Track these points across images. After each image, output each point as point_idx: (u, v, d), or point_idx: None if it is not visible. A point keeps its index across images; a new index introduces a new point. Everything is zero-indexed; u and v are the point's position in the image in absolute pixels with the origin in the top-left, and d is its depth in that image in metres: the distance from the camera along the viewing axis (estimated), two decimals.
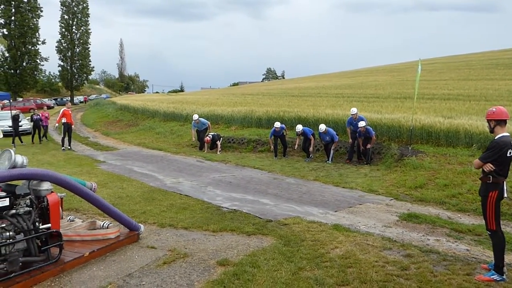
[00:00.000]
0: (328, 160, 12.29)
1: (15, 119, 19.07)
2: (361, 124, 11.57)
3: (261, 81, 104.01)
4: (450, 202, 7.54)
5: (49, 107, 50.89)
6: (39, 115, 20.00)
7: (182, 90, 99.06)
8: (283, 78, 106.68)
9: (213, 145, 15.15)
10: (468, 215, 6.93)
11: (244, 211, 7.00)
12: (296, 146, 13.23)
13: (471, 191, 7.80)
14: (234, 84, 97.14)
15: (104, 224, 5.55)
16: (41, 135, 19.88)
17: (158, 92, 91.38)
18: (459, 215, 6.91)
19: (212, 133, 15.43)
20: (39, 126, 19.71)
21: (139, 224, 5.77)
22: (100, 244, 5.12)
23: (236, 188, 8.98)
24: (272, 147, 13.58)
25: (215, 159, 13.24)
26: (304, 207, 7.34)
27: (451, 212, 7.11)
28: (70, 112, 17.52)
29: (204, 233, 5.84)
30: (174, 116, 22.66)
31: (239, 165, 12.09)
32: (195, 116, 16.04)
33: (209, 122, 16.26)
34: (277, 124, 13.24)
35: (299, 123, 14.97)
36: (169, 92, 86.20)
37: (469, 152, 10.07)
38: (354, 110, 12.20)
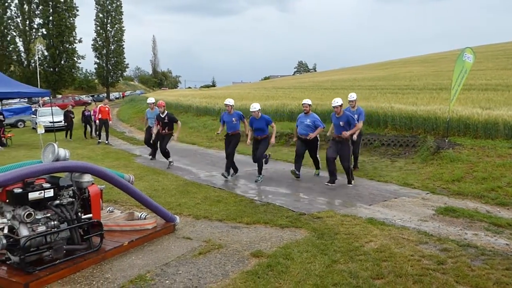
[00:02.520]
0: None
1: (67, 115, 19.82)
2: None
3: (293, 75, 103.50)
4: (489, 195, 7.34)
5: (87, 104, 52.46)
6: (90, 111, 20.51)
7: (214, 85, 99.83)
8: (315, 71, 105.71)
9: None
10: (508, 209, 6.73)
11: (277, 204, 7.04)
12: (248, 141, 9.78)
13: (511, 185, 7.56)
14: (266, 78, 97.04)
15: (142, 215, 5.72)
16: (92, 130, 20.28)
17: (191, 88, 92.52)
18: (498, 209, 6.72)
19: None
20: (89, 122, 20.15)
21: (175, 215, 5.91)
22: (138, 234, 5.28)
23: (269, 181, 9.03)
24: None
25: (247, 153, 13.31)
26: (337, 201, 7.31)
27: (490, 206, 6.92)
28: (106, 108, 18.04)
29: (238, 225, 5.92)
30: (206, 110, 22.90)
31: (272, 159, 12.11)
32: (151, 100, 12.86)
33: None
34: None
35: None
36: (201, 87, 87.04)
37: (508, 144, 9.73)
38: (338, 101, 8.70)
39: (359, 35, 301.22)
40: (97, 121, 18.05)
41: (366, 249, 4.87)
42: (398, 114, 12.71)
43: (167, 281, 4.10)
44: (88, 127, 20.45)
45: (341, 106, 8.66)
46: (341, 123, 8.57)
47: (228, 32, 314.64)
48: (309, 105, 9.59)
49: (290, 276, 4.13)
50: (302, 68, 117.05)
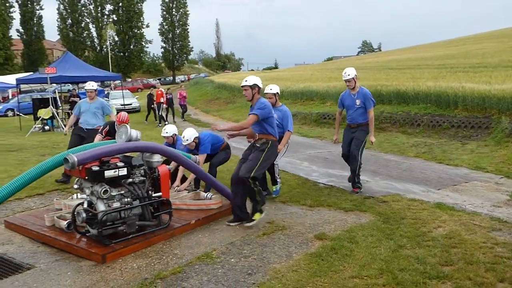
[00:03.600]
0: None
1: (150, 98, 20.32)
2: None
3: (356, 55, 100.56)
4: None
5: (154, 87, 54.35)
6: (171, 94, 20.92)
7: (276, 67, 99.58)
8: (380, 50, 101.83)
9: None
10: None
11: (341, 187, 6.97)
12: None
13: None
14: (328, 59, 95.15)
15: (208, 196, 5.91)
16: (174, 114, 20.54)
17: (253, 70, 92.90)
18: None
19: None
20: (171, 105, 20.20)
21: None
22: (204, 213, 5.47)
23: (333, 164, 8.94)
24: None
25: (310, 135, 13.26)
26: (404, 184, 7.10)
27: None
28: (159, 92, 19.01)
29: (301, 208, 5.95)
30: None
31: (337, 143, 11.95)
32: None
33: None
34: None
35: (398, 97, 14.34)
36: (264, 69, 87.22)
37: None
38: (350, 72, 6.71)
39: (427, 11, 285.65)
40: (164, 105, 18.83)
41: (434, 235, 4.71)
42: (470, 94, 11.96)
43: (232, 260, 4.23)
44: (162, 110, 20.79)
45: (354, 78, 6.67)
46: (357, 102, 6.67)
47: (289, 13, 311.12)
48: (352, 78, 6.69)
49: (355, 259, 4.10)
50: (366, 48, 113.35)
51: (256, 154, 5.26)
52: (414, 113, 12.99)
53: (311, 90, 19.41)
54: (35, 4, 64.27)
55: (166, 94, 20.81)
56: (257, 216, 5.19)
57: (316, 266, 3.97)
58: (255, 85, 5.38)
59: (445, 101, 12.57)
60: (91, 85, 8.03)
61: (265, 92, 6.47)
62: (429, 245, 4.43)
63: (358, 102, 6.71)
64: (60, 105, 19.94)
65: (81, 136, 7.70)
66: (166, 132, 6.64)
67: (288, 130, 6.49)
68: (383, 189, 6.80)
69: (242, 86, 5.45)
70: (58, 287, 3.81)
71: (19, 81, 21.49)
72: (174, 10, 71.43)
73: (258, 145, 5.33)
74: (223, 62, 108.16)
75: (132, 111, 23.03)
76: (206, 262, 4.18)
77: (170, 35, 71.28)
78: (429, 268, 3.87)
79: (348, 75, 6.72)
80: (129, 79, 57.61)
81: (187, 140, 6.29)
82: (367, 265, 3.97)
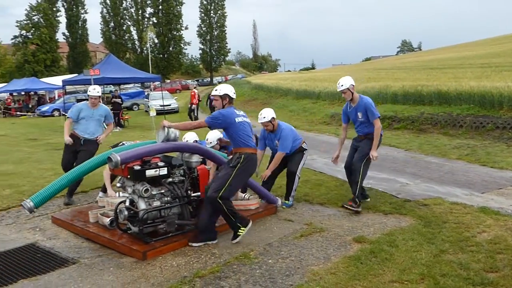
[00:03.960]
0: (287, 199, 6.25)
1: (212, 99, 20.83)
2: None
3: (396, 55, 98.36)
4: None
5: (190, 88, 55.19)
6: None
7: (313, 68, 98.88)
8: (420, 49, 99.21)
9: None
10: None
11: (379, 189, 6.85)
12: None
13: None
14: (366, 59, 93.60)
15: (245, 196, 5.95)
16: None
17: (290, 71, 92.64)
18: None
19: None
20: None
21: (277, 197, 6.04)
22: (242, 214, 5.49)
23: (371, 166, 8.73)
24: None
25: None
26: (445, 188, 6.90)
27: None
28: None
29: (340, 210, 5.88)
30: (306, 93, 22.86)
31: None
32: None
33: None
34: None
35: (439, 98, 13.95)
36: (301, 70, 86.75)
37: None
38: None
39: (470, 8, 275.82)
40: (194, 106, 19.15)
41: (478, 240, 4.55)
42: None
43: (270, 261, 4.24)
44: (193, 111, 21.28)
45: (350, 89, 5.86)
46: (359, 115, 5.91)
47: (326, 13, 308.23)
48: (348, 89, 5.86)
49: (395, 264, 4.02)
50: (406, 47, 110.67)
51: (226, 171, 4.76)
52: (456, 114, 12.61)
53: None
54: (80, 8, 66.75)
55: (209, 95, 21.08)
56: (241, 231, 4.74)
57: (355, 269, 3.93)
58: (226, 95, 4.96)
59: (489, 101, 12.13)
60: (96, 91, 6.77)
61: (259, 121, 6.11)
62: (472, 250, 4.29)
63: (360, 115, 5.90)
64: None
65: (75, 152, 6.64)
66: (210, 143, 6.16)
67: (280, 151, 6.03)
68: (424, 192, 6.63)
69: (212, 95, 5.15)
70: (101, 281, 3.94)
71: (65, 83, 22.39)
72: (212, 12, 72.30)
73: (230, 161, 4.84)
74: (260, 63, 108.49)
75: (171, 111, 23.47)
76: (244, 262, 4.21)
77: (208, 37, 72.19)
78: (473, 274, 3.74)
79: (342, 85, 5.85)
80: (168, 81, 58.74)
81: (210, 143, 6.13)
82: (407, 269, 3.89)
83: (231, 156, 4.95)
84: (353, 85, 5.88)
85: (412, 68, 28.10)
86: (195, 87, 21.36)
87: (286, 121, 6.55)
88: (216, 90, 5.05)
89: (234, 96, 5.05)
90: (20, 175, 8.65)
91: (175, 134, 5.11)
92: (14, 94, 36.28)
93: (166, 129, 5.01)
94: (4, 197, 7.08)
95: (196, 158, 5.08)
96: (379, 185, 7.08)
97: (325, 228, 5.13)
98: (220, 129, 5.31)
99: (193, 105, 19.42)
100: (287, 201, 6.15)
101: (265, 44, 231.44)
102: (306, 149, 6.49)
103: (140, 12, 67.66)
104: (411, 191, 6.74)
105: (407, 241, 4.56)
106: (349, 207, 5.71)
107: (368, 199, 6.22)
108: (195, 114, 19.57)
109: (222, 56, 75.11)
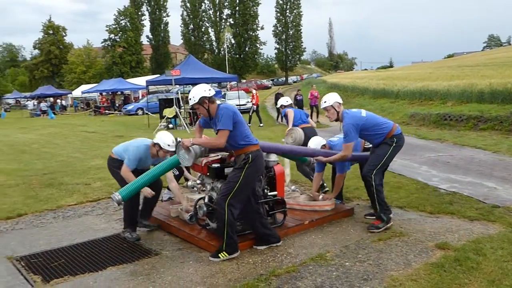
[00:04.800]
0: None
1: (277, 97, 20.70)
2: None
3: (482, 50, 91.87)
4: None
5: (267, 88, 55.82)
6: (301, 95, 21.06)
7: (391, 66, 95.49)
8: (509, 44, 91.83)
9: None
10: None
11: (464, 194, 6.46)
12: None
13: None
14: (449, 56, 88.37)
15: (321, 197, 5.88)
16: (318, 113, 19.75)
17: (367, 69, 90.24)
18: None
19: None
20: (301, 106, 19.41)
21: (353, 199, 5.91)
22: (318, 214, 5.46)
23: (455, 169, 8.32)
24: None
25: (429, 138, 12.51)
26: None
27: None
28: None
29: (420, 214, 5.63)
30: (384, 93, 22.15)
31: (457, 144, 11.15)
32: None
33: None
34: None
35: None
36: (378, 68, 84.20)
37: None
38: None
39: None
40: (255, 106, 19.27)
41: None
42: None
43: (347, 263, 4.16)
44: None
45: (335, 106, 5.14)
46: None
47: (404, 9, 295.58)
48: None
49: (482, 273, 3.77)
50: (493, 42, 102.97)
51: (234, 173, 4.35)
52: None
53: (430, 89, 18.30)
54: (162, 11, 70.11)
55: (296, 95, 21.05)
56: (222, 255, 4.33)
57: (438, 277, 3.73)
58: (203, 98, 4.29)
59: None
60: (172, 145, 4.98)
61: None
62: None
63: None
64: (182, 105, 21.42)
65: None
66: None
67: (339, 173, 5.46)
68: None
69: (191, 106, 4.46)
70: (181, 273, 4.11)
71: (148, 83, 23.66)
72: (288, 11, 72.41)
73: (236, 163, 4.43)
74: (336, 62, 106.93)
75: (246, 111, 23.79)
76: (320, 263, 4.17)
77: (284, 36, 72.42)
78: None
79: (325, 102, 5.17)
80: (244, 80, 59.78)
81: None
82: (497, 280, 3.62)
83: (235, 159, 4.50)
84: (339, 103, 5.16)
85: (501, 64, 26.08)
86: (254, 88, 21.54)
87: None
88: (190, 99, 4.35)
89: (211, 93, 4.32)
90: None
91: (200, 149, 4.55)
92: (103, 94, 39.05)
93: (190, 148, 4.46)
94: (95, 189, 7.65)
95: (273, 158, 5.12)
96: (465, 190, 6.68)
97: (405, 232, 4.94)
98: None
99: (254, 106, 19.61)
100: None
101: (341, 42, 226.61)
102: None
103: (218, 13, 69.59)
104: (500, 196, 6.28)
105: (496, 250, 4.25)
106: (375, 230, 4.96)
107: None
108: (258, 115, 19.71)
109: (297, 56, 74.96)
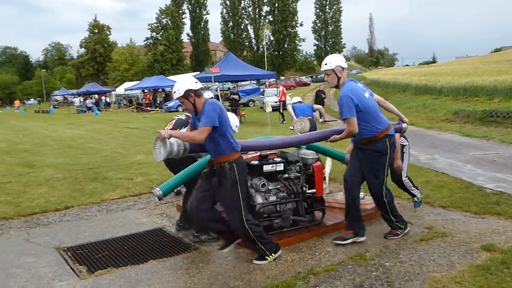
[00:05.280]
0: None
1: (318, 95, 20.67)
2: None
3: None
4: None
5: (306, 84, 55.42)
6: (325, 93, 21.23)
7: (434, 61, 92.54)
8: None
9: None
10: None
11: None
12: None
13: None
14: (496, 50, 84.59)
15: (361, 195, 5.78)
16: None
17: (408, 65, 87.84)
18: None
19: None
20: (323, 103, 19.44)
21: None
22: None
23: (502, 168, 7.98)
24: None
25: (474, 135, 12.06)
26: None
27: None
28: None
29: (464, 214, 5.44)
30: (426, 89, 21.52)
31: (505, 142, 10.70)
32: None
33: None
34: None
35: None
36: (420, 64, 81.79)
37: None
38: None
39: None
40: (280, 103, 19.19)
41: None
42: None
43: (387, 263, 4.08)
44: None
45: (336, 71, 4.44)
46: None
47: (448, 3, 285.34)
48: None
49: None
50: None
51: (230, 192, 4.02)
52: None
53: (475, 85, 17.62)
54: (202, 9, 71.05)
55: (318, 90, 20.97)
56: (269, 257, 4.23)
57: (484, 280, 3.60)
58: (188, 91, 3.90)
59: None
60: None
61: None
62: None
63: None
64: (221, 102, 21.64)
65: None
66: None
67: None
68: None
69: (176, 99, 4.06)
70: (220, 269, 4.16)
71: None
72: (327, 7, 71.68)
73: (223, 176, 4.02)
74: (376, 58, 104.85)
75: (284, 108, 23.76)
76: (359, 263, 4.11)
77: (323, 33, 71.78)
78: None
79: (326, 64, 4.47)
80: (283, 77, 59.63)
81: None
82: None
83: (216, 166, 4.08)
84: (342, 68, 4.45)
85: None
86: (282, 86, 21.56)
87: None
88: (174, 92, 3.99)
89: (198, 85, 3.96)
90: (150, 165, 9.47)
91: (178, 145, 4.02)
92: (145, 91, 40.01)
93: (166, 141, 3.95)
94: (137, 184, 7.86)
95: (312, 155, 5.08)
96: None
97: (448, 233, 4.79)
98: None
99: (279, 103, 19.62)
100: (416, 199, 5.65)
101: (382, 38, 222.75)
102: (406, 145, 5.68)
103: (257, 10, 69.72)
104: None
105: None
106: (394, 236, 4.72)
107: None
108: (281, 112, 19.66)
109: (337, 52, 73.94)
